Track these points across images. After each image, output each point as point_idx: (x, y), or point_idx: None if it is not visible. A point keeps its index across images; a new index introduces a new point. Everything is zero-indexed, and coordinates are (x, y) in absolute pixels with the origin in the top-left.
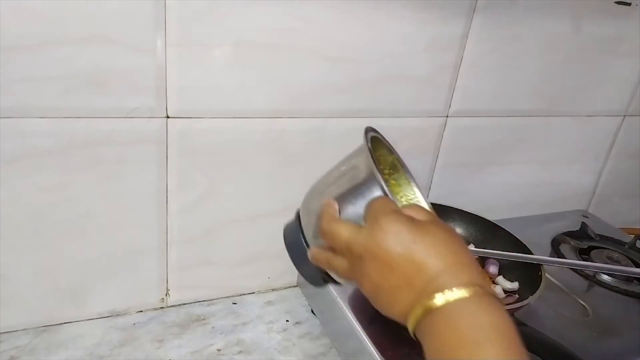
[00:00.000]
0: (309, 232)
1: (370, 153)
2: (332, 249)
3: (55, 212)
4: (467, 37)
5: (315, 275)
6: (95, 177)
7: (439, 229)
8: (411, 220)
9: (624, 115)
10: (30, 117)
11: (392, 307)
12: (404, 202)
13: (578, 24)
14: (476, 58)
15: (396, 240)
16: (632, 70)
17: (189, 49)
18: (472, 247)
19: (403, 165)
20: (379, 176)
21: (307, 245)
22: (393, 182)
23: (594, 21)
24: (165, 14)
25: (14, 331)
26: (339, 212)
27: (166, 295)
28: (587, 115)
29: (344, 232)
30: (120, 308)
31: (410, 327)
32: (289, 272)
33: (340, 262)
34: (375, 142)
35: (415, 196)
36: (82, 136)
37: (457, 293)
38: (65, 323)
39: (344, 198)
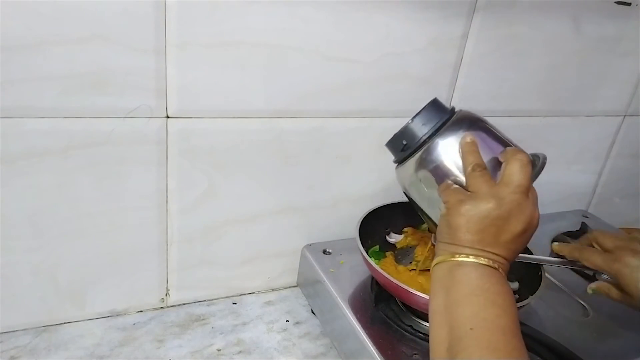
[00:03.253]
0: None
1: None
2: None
3: (55, 212)
4: (467, 37)
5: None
6: (95, 177)
7: (532, 233)
8: (535, 209)
9: (624, 115)
10: (30, 117)
11: (463, 231)
12: None
13: (578, 24)
14: (476, 58)
15: (517, 212)
16: (632, 70)
17: (189, 49)
18: None
19: None
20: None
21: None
22: None
23: (594, 21)
24: (165, 14)
25: (14, 331)
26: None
27: (166, 295)
28: (587, 115)
29: (515, 174)
30: (120, 308)
31: (457, 257)
32: (289, 272)
33: (458, 191)
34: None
35: None
36: (82, 136)
37: (505, 265)
38: (65, 323)
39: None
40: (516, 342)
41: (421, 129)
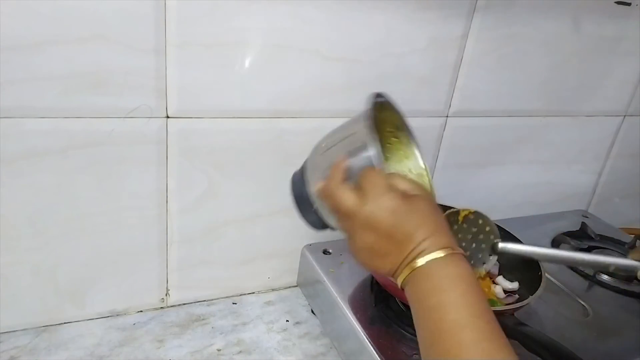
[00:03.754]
0: (312, 185)
1: (373, 123)
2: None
3: (55, 212)
4: (467, 37)
5: (316, 221)
6: (95, 177)
7: (423, 202)
8: (402, 196)
9: (624, 115)
10: (30, 117)
11: (381, 267)
12: (405, 162)
13: (578, 24)
14: (476, 58)
15: (392, 216)
16: (632, 70)
17: (189, 49)
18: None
19: (406, 125)
20: (378, 149)
21: (310, 194)
22: (395, 140)
23: (594, 21)
24: (165, 14)
25: (14, 331)
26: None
27: (166, 295)
28: (587, 115)
29: (347, 202)
30: (120, 308)
31: (399, 283)
32: (289, 272)
33: (341, 220)
34: (381, 105)
35: (414, 155)
36: (82, 136)
37: (434, 255)
38: (65, 323)
39: (345, 161)
40: (465, 335)
41: (308, 215)
